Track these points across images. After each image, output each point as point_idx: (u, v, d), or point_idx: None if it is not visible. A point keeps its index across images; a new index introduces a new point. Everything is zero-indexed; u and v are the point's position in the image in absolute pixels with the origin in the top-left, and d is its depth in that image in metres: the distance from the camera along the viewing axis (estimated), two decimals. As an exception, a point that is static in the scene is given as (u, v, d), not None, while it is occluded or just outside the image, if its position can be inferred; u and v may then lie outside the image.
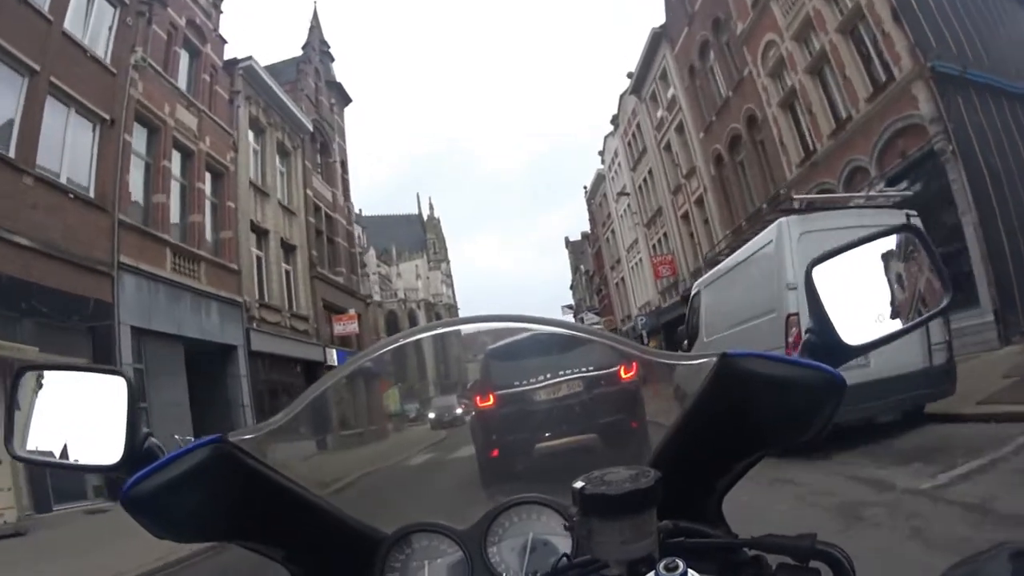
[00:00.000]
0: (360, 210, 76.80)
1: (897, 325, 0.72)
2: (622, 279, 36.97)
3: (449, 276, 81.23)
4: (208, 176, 17.54)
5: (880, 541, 3.57)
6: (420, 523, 0.88)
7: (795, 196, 10.06)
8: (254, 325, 17.18)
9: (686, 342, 9.23)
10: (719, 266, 8.82)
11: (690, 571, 0.55)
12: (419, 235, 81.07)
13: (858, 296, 0.72)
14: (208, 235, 16.81)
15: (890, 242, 0.73)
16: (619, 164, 33.46)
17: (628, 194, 31.32)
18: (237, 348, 16.24)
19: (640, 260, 32.13)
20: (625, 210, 33.57)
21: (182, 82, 17.34)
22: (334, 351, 21.27)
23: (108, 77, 14.18)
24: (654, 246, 29.27)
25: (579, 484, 0.63)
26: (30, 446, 0.79)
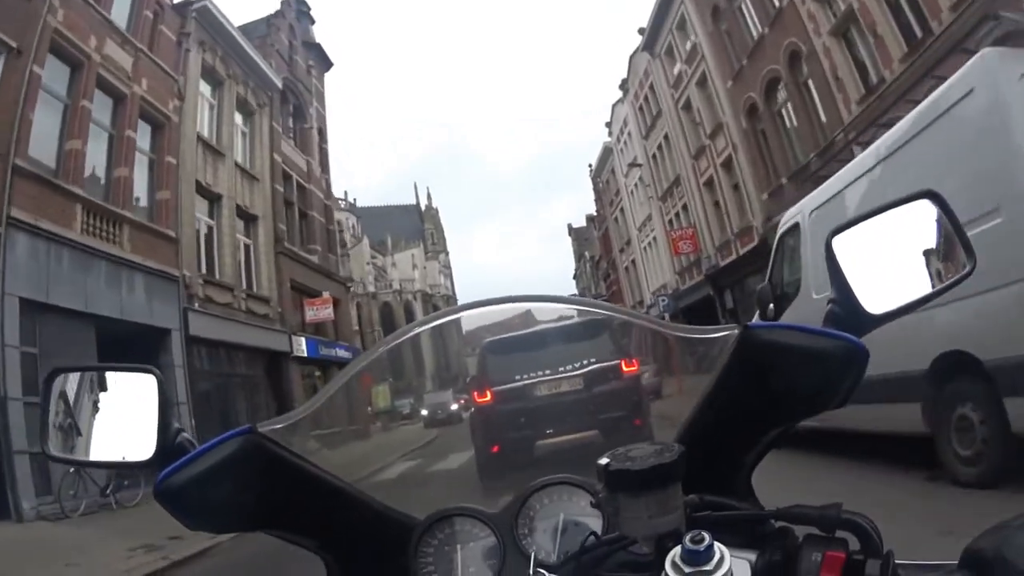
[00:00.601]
0: (355, 200, 74.37)
1: (920, 293, 0.71)
2: (632, 262, 33.97)
3: (448, 267, 78.48)
4: (147, 127, 14.64)
5: None
6: (452, 508, 0.87)
7: (1003, 13, 7.01)
8: (196, 305, 14.19)
9: (771, 307, 5.90)
10: (840, 173, 5.47)
11: (716, 543, 0.55)
12: (416, 225, 78.10)
13: (879, 265, 0.70)
14: (140, 194, 13.87)
15: (910, 210, 0.72)
16: (629, 133, 30.47)
17: (640, 165, 28.31)
18: (171, 332, 13.26)
19: (654, 238, 29.14)
20: (636, 184, 30.59)
21: (119, 16, 14.39)
22: (303, 340, 18.33)
23: (21, 0, 11.34)
24: (671, 221, 26.28)
25: (604, 461, 0.63)
26: (64, 446, 0.80)
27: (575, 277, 65.06)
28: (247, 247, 17.64)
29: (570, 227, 62.42)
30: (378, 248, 69.72)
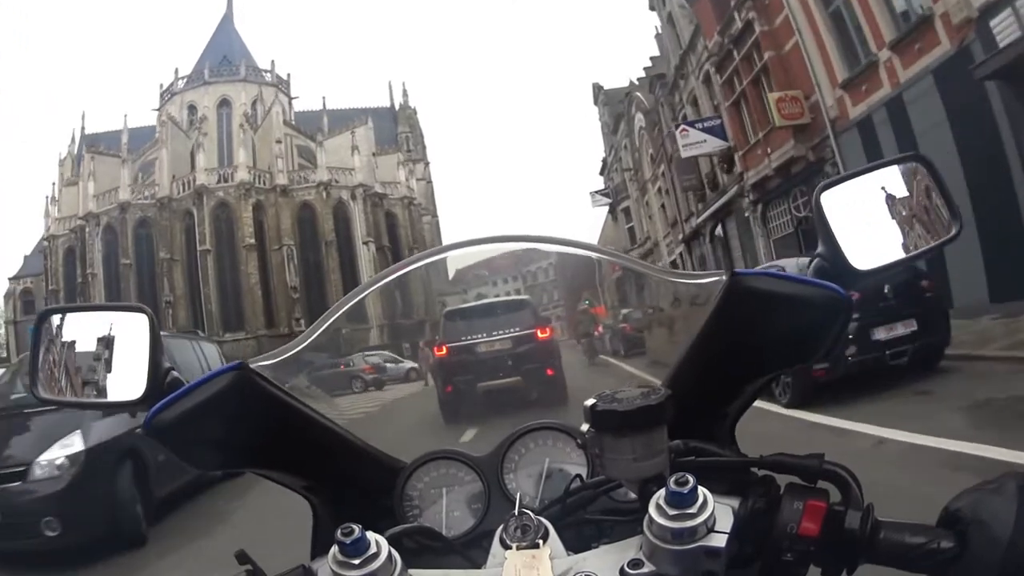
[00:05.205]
0: (288, 75, 52.31)
1: (905, 252, 0.73)
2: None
3: (428, 180, 56.50)
4: None
5: None
6: (438, 451, 0.88)
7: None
8: None
9: None
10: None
11: (700, 487, 0.57)
12: (389, 131, 55.26)
13: (867, 222, 0.72)
14: None
15: (898, 170, 0.74)
16: None
17: None
18: None
19: None
20: None
21: None
22: None
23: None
24: None
25: (591, 402, 0.63)
26: (54, 388, 0.80)
27: (603, 171, 42.84)
28: None
29: (597, 88, 39.81)
30: (308, 134, 47.52)
